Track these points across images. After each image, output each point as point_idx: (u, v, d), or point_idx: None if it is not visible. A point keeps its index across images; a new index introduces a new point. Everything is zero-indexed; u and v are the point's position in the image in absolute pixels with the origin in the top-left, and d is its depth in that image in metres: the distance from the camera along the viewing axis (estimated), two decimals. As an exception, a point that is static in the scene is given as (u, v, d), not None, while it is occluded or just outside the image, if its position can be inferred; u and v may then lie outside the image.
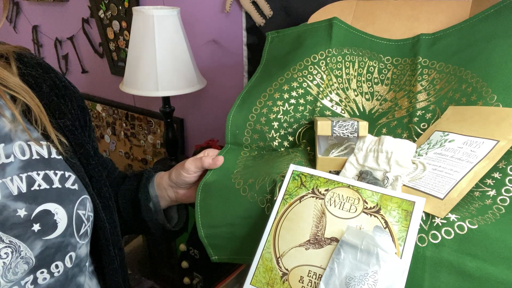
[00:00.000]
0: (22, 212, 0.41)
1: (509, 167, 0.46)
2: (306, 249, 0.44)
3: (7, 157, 0.43)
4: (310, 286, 0.42)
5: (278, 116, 0.66)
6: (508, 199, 0.43)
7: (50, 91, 0.50)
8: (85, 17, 1.64)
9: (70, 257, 0.46)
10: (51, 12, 1.77)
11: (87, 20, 1.64)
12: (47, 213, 0.43)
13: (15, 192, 0.42)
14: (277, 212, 0.48)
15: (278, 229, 0.47)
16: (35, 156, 0.45)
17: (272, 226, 0.48)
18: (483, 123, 0.51)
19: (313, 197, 0.47)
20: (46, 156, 0.46)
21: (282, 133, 0.66)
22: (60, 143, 0.48)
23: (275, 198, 0.50)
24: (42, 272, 0.43)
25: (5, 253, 0.40)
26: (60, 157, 0.48)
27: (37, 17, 1.86)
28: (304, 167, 0.51)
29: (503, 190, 0.44)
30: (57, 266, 0.45)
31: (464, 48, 0.62)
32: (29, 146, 0.45)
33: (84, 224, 0.47)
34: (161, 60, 1.07)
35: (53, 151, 0.47)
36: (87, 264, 0.51)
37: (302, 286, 0.43)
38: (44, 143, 0.47)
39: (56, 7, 1.73)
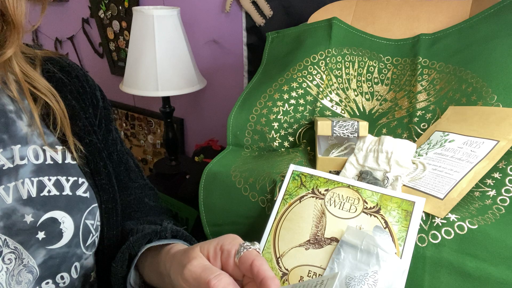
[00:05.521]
0: (28, 218, 0.40)
1: (509, 167, 0.46)
2: (306, 249, 0.44)
3: (22, 159, 0.42)
4: (310, 286, 0.42)
5: (278, 117, 0.66)
6: (508, 199, 0.43)
7: (71, 95, 0.49)
8: (85, 17, 1.64)
9: (76, 267, 0.45)
10: (51, 12, 1.77)
11: (87, 20, 1.64)
12: (53, 221, 0.42)
13: (25, 196, 0.41)
14: (277, 212, 0.48)
15: (278, 229, 0.47)
16: (48, 161, 0.44)
17: (272, 226, 0.48)
18: (483, 123, 0.51)
19: (313, 197, 0.47)
20: (60, 161, 0.45)
21: (282, 133, 0.66)
22: (76, 150, 0.47)
23: (275, 198, 0.50)
24: (47, 283, 0.42)
25: (8, 259, 0.39)
26: (74, 162, 0.47)
27: (37, 17, 1.86)
28: (304, 167, 0.51)
29: (503, 190, 0.44)
30: (62, 277, 0.44)
31: (464, 48, 0.62)
32: (43, 150, 0.44)
33: (91, 235, 0.46)
34: (161, 60, 1.07)
35: (68, 156, 0.46)
36: (93, 273, 0.49)
37: (302, 286, 0.43)
38: (59, 147, 0.46)
39: (56, 7, 1.73)
